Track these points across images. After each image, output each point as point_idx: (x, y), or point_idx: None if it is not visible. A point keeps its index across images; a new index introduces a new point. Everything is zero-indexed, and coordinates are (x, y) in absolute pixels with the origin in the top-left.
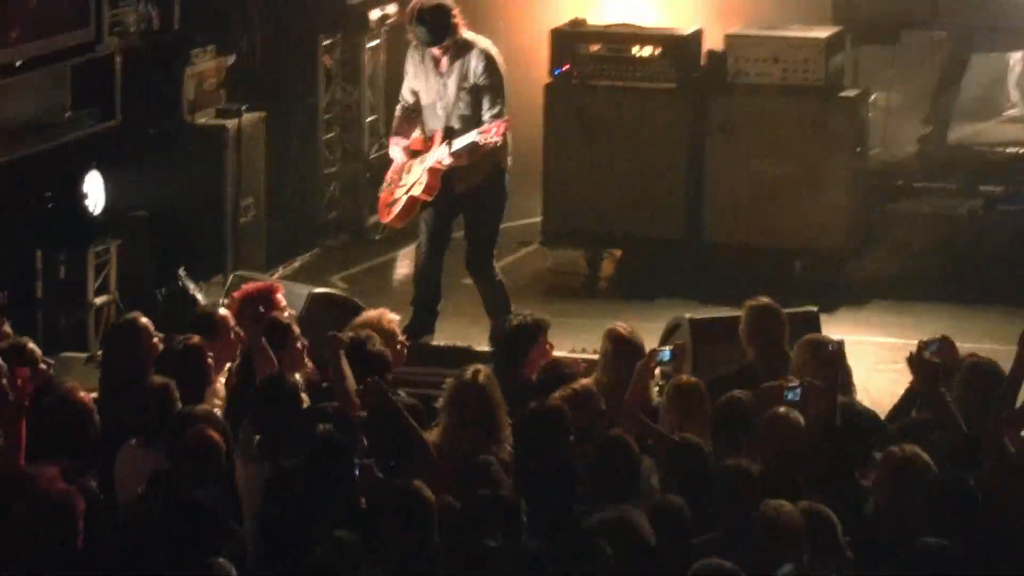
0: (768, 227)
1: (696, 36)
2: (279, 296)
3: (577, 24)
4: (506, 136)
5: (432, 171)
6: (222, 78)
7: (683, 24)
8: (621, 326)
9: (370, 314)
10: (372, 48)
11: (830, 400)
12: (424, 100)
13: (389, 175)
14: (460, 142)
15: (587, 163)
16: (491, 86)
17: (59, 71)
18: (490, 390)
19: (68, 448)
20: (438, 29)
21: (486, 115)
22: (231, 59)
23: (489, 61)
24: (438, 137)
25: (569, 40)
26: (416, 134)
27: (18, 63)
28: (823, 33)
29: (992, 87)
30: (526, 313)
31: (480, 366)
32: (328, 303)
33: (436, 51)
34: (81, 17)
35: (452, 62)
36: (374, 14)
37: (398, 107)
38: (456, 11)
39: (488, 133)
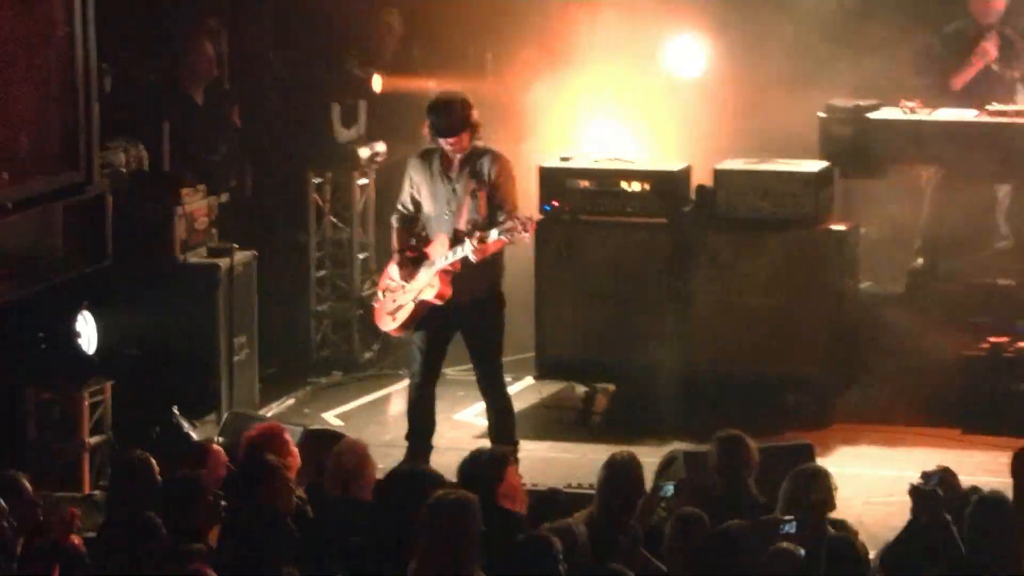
0: (758, 360)
1: (685, 171)
2: (287, 436)
3: (566, 160)
4: (502, 255)
5: (443, 274)
6: (213, 217)
7: (671, 159)
8: (619, 454)
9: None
10: (362, 186)
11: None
12: (428, 208)
13: (384, 282)
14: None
15: (578, 298)
16: (506, 186)
17: (50, 212)
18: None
19: None
20: (454, 121)
21: (502, 215)
22: (223, 198)
23: (503, 163)
24: (445, 240)
25: (558, 176)
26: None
27: (9, 205)
28: (812, 167)
29: (981, 219)
30: (486, 448)
31: (453, 491)
32: (322, 440)
33: (448, 149)
34: (71, 158)
35: (463, 165)
36: (364, 152)
37: (394, 217)
38: (474, 110)
39: (515, 231)
